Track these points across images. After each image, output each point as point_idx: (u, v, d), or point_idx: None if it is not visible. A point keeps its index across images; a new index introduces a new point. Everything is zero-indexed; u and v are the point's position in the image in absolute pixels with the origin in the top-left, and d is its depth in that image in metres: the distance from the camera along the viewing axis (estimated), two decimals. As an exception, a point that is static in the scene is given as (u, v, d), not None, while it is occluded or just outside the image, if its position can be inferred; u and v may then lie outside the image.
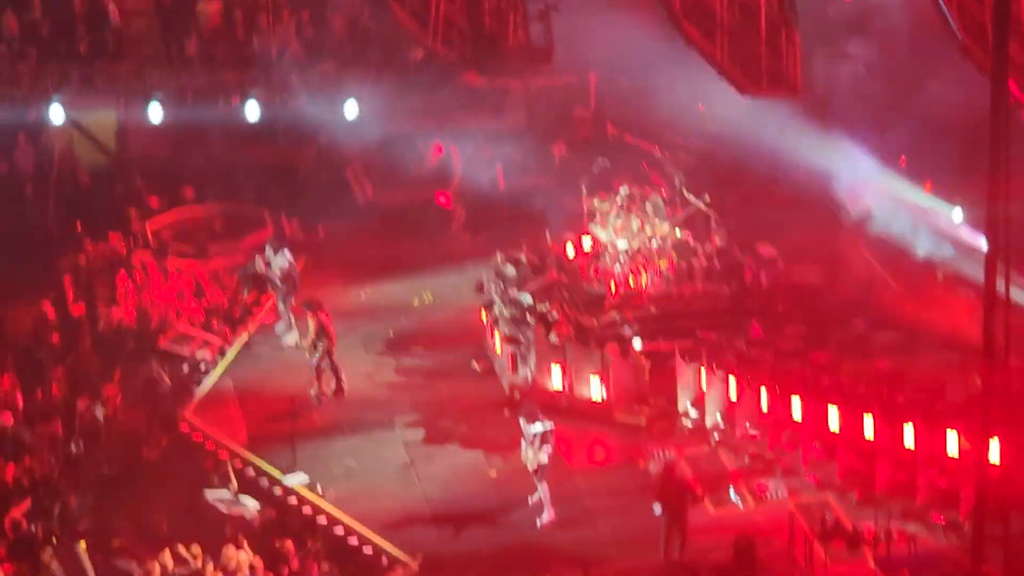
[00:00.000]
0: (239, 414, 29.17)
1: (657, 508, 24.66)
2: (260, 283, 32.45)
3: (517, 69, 33.14)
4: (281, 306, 31.75)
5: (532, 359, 29.14)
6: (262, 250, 32.28)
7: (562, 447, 26.64)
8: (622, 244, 30.80)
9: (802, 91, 25.53)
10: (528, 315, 29.59)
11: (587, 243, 31.32)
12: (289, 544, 24.68)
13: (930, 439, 25.53)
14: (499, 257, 31.31)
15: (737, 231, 31.73)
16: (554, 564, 24.75)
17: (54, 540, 24.58)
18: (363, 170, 37.41)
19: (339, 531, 25.74)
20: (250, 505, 25.72)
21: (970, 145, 27.48)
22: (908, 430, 25.63)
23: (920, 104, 32.99)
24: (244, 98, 34.30)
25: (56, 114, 33.71)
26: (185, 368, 30.14)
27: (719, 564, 24.37)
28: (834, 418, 26.34)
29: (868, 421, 26.01)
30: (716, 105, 33.22)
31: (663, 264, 30.59)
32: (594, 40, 34.94)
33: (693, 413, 28.13)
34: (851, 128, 32.93)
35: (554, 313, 29.67)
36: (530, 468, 25.83)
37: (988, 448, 21.22)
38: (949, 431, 25.25)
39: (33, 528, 24.59)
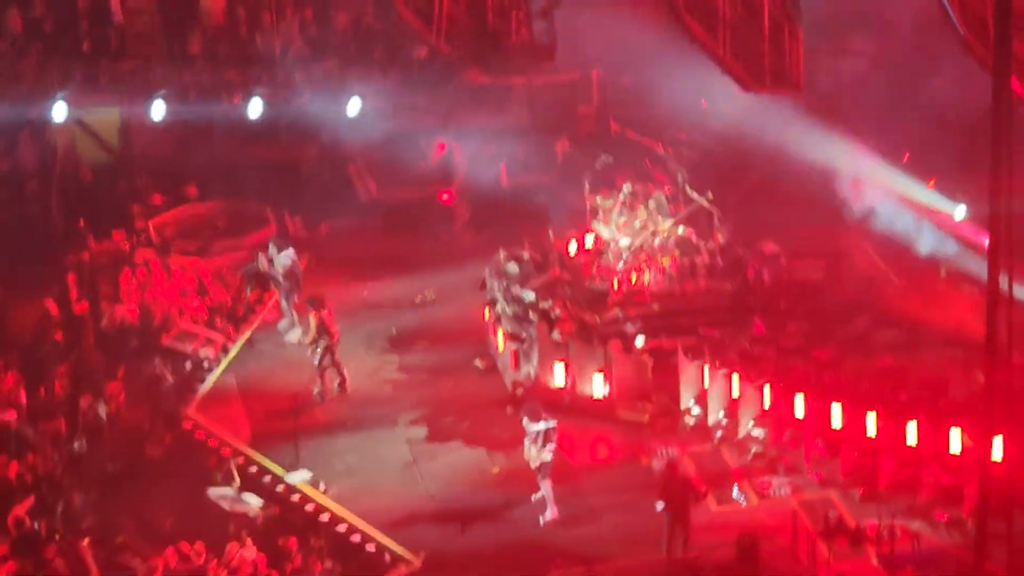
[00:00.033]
0: (242, 412, 29.17)
1: (659, 506, 24.66)
2: (263, 281, 32.48)
3: (520, 66, 33.15)
4: (284, 304, 31.76)
5: (535, 356, 29.13)
6: (265, 248, 32.29)
7: (565, 444, 26.62)
8: (625, 241, 30.79)
9: (805, 87, 25.50)
10: (531, 312, 29.58)
11: (590, 240, 31.32)
12: (292, 542, 24.68)
13: (933, 436, 25.51)
14: (502, 254, 31.29)
15: (740, 228, 31.71)
16: (557, 562, 24.72)
17: (57, 537, 24.60)
18: (366, 167, 37.40)
19: (342, 529, 25.73)
20: (253, 503, 25.71)
21: (973, 141, 27.48)
22: (911, 427, 25.61)
23: (923, 100, 32.97)
24: (247, 96, 34.30)
25: (59, 112, 33.70)
26: (188, 366, 30.15)
27: (722, 562, 24.35)
28: (837, 415, 26.32)
29: (871, 418, 25.98)
30: (719, 102, 33.24)
31: (666, 261, 30.59)
32: (597, 37, 34.96)
33: (696, 410, 28.11)
34: (854, 124, 32.90)
35: (557, 310, 29.67)
36: (533, 466, 25.82)
37: (991, 445, 21.23)
38: (952, 428, 25.23)
39: (36, 525, 24.59)
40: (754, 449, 27.19)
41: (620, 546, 25.14)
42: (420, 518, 26.06)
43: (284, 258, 31.53)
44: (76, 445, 27.10)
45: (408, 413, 28.99)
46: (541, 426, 25.65)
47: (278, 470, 27.17)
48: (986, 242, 19.66)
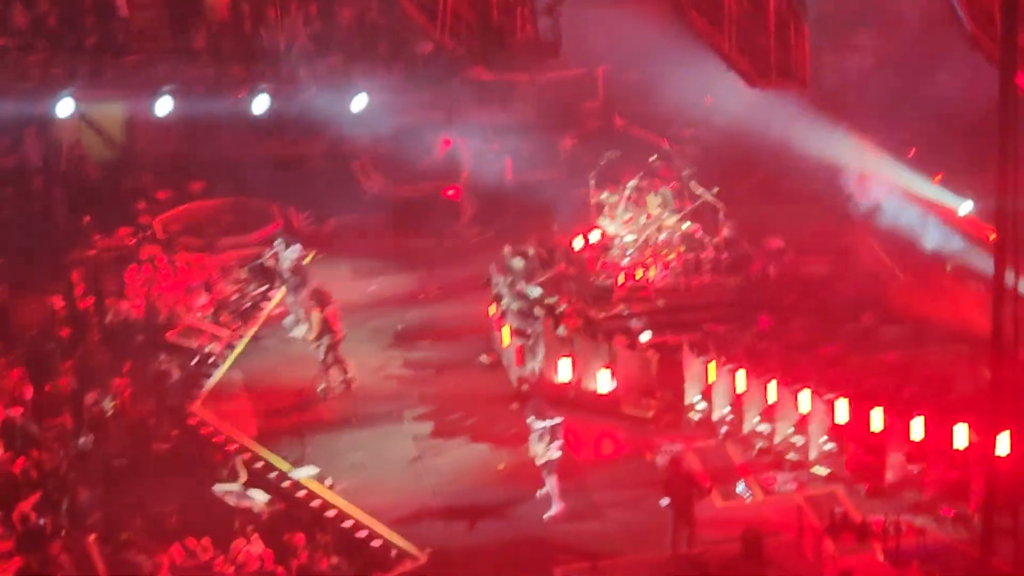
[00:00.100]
0: (248, 407, 29.18)
1: (664, 501, 24.66)
2: (269, 276, 32.50)
3: (525, 62, 33.11)
4: (290, 299, 31.76)
5: (540, 352, 29.13)
6: (271, 243, 32.30)
7: (569, 440, 26.61)
8: (630, 237, 30.81)
9: (810, 83, 25.51)
10: (536, 308, 29.57)
11: (595, 236, 31.32)
12: (298, 537, 24.71)
13: (939, 432, 25.49)
14: (507, 250, 31.28)
15: (745, 224, 31.70)
16: (562, 557, 24.75)
17: (63, 534, 24.61)
18: (371, 163, 37.37)
19: (348, 524, 25.75)
20: (259, 498, 25.73)
21: (979, 137, 27.46)
22: (917, 423, 25.59)
23: (929, 96, 32.94)
24: (252, 91, 34.28)
25: (64, 108, 33.70)
26: (194, 361, 30.16)
27: (727, 557, 24.35)
28: (842, 411, 26.30)
29: (876, 414, 25.96)
30: (724, 97, 33.18)
31: (671, 257, 30.60)
32: (602, 33, 34.92)
33: (701, 406, 28.11)
34: (859, 120, 32.88)
35: (562, 306, 29.66)
36: (539, 463, 25.82)
37: (997, 441, 21.25)
38: (958, 424, 25.21)
39: (42, 521, 24.60)
40: (759, 445, 27.19)
41: (625, 542, 25.14)
42: (426, 514, 26.07)
43: (290, 254, 31.54)
44: (82, 441, 27.14)
45: (413, 409, 28.99)
46: (547, 423, 25.66)
47: (284, 466, 27.19)
48: (992, 238, 19.65)
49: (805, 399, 26.65)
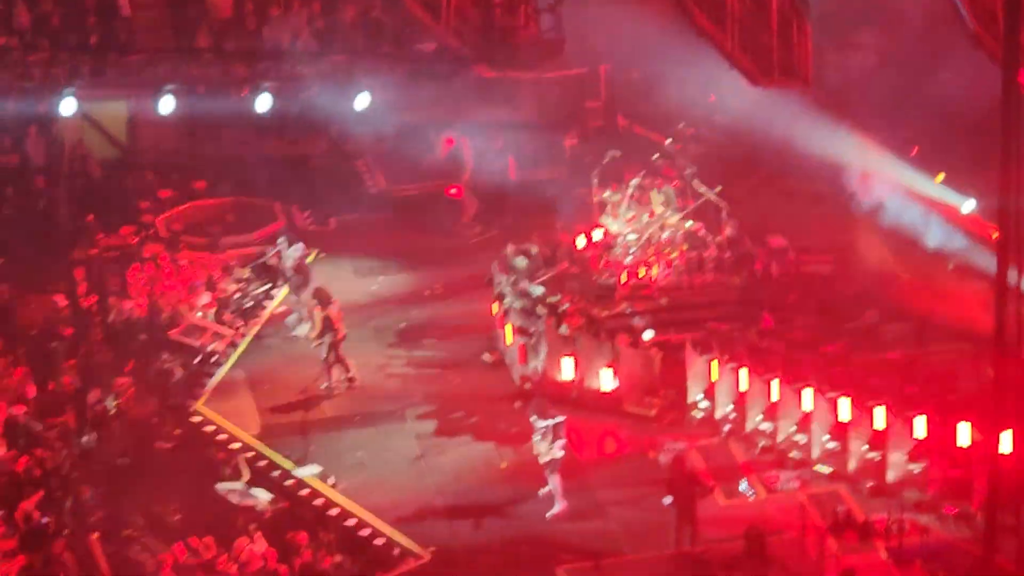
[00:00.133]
0: (251, 406, 29.19)
1: (667, 500, 24.66)
2: (271, 275, 32.51)
3: (528, 61, 33.09)
4: (293, 298, 31.77)
5: (543, 350, 29.13)
6: (273, 242, 32.29)
7: (572, 438, 26.63)
8: (633, 235, 30.80)
9: (813, 82, 25.51)
10: (539, 307, 29.58)
11: (598, 235, 31.31)
12: (301, 536, 24.71)
13: (942, 430, 25.49)
14: (510, 249, 31.29)
15: (748, 222, 31.70)
16: (564, 556, 24.75)
17: (66, 532, 24.62)
18: (375, 162, 37.39)
19: (351, 523, 25.76)
20: (262, 497, 25.74)
21: (982, 135, 27.45)
22: (919, 421, 25.58)
23: (931, 94, 32.93)
24: (255, 90, 34.22)
25: (67, 106, 33.63)
26: (196, 360, 30.17)
27: (730, 556, 24.36)
28: (845, 409, 26.29)
29: (879, 412, 25.95)
30: (727, 96, 33.19)
31: (674, 255, 30.60)
32: (605, 31, 34.93)
33: (704, 404, 28.11)
34: (862, 119, 32.87)
35: (565, 305, 29.67)
36: (543, 462, 25.82)
37: (1000, 439, 21.23)
38: (961, 422, 25.20)
39: (45, 520, 24.61)
40: (762, 443, 27.20)
41: (627, 540, 25.16)
42: (429, 512, 26.08)
43: (293, 252, 31.54)
44: (85, 439, 27.14)
45: (416, 408, 29.00)
46: (549, 422, 25.66)
47: (287, 464, 27.19)
48: (995, 236, 19.65)
49: (808, 397, 26.66)
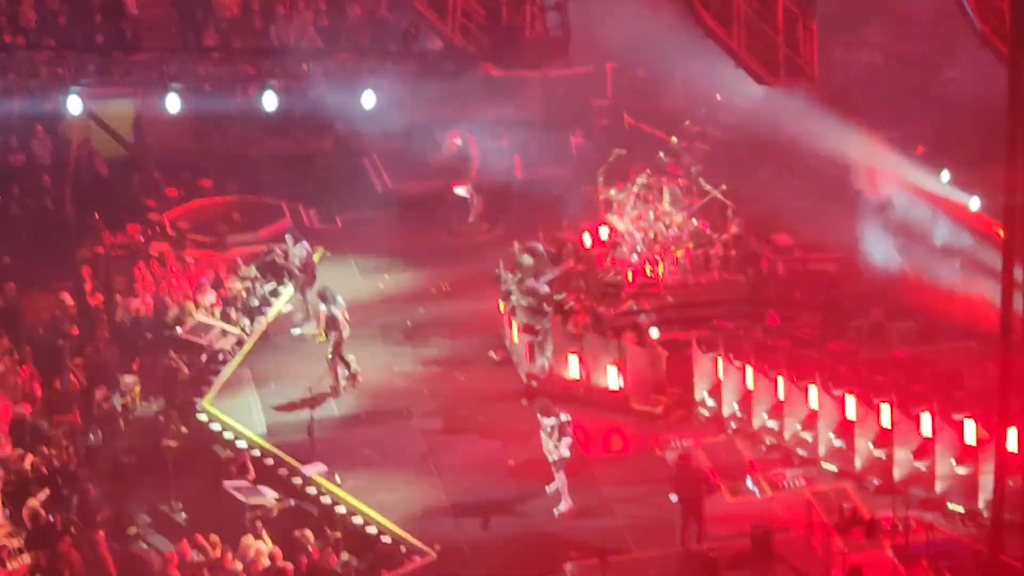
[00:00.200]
0: (257, 404, 29.22)
1: (673, 497, 24.68)
2: (278, 273, 32.52)
3: (534, 60, 33.08)
4: (299, 296, 31.80)
5: (549, 348, 29.15)
6: (280, 240, 32.29)
7: (579, 436, 26.65)
8: (639, 233, 30.79)
9: (819, 80, 25.50)
10: (545, 305, 29.59)
11: (604, 233, 31.29)
12: (308, 534, 24.72)
13: (948, 428, 25.47)
14: (516, 247, 31.28)
15: (754, 220, 31.69)
16: (571, 554, 24.74)
17: (73, 530, 24.64)
18: (381, 160, 37.40)
19: (358, 521, 25.78)
20: (268, 495, 25.75)
21: (988, 133, 27.44)
22: (925, 419, 25.57)
23: (938, 92, 32.94)
24: (262, 88, 34.20)
25: (74, 105, 33.60)
26: (203, 358, 30.19)
27: (736, 553, 24.36)
28: (851, 407, 26.28)
29: (885, 410, 25.94)
30: (733, 94, 33.19)
31: (680, 253, 30.58)
32: (611, 30, 34.89)
33: (710, 402, 28.12)
34: (868, 117, 32.87)
35: (571, 303, 29.68)
36: (551, 459, 25.84)
37: (1006, 436, 21.23)
38: (967, 420, 25.19)
39: (51, 517, 24.64)
40: (768, 441, 27.21)
41: (634, 538, 25.17)
42: (435, 510, 26.11)
43: (299, 250, 31.56)
44: (91, 437, 27.17)
45: (423, 405, 29.02)
46: (554, 420, 25.68)
47: (294, 462, 27.21)
48: (1001, 234, 19.65)
49: (814, 395, 26.66)
